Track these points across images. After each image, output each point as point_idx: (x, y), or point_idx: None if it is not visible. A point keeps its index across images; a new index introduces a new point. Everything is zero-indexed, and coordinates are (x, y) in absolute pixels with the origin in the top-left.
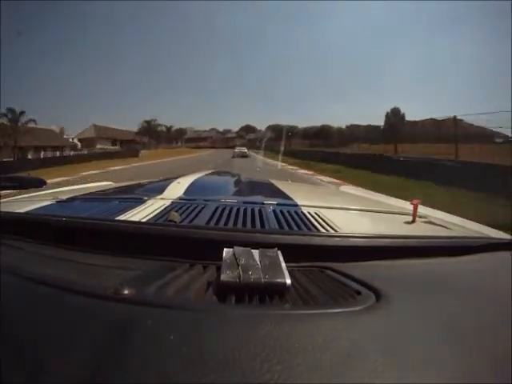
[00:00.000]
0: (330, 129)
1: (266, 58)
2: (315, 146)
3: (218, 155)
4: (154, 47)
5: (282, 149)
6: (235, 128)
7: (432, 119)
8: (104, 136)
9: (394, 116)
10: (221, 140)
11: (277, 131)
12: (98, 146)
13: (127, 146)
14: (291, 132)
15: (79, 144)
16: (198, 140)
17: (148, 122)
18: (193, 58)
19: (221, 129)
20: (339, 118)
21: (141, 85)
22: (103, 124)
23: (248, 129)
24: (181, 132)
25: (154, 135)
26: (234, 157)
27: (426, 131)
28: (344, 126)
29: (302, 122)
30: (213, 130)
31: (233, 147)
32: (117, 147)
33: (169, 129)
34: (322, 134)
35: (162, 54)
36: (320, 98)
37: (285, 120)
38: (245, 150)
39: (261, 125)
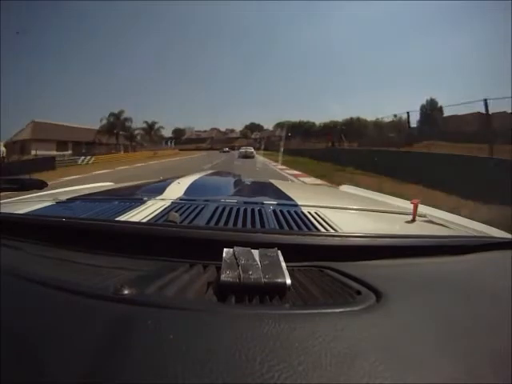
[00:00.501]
0: (358, 123)
1: (274, 57)
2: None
3: (201, 160)
4: (157, 46)
5: (282, 149)
6: (240, 127)
7: (479, 113)
8: (46, 137)
9: (432, 109)
10: (222, 140)
11: (288, 129)
12: (34, 152)
13: (87, 148)
14: (305, 129)
15: (3, 150)
16: (196, 141)
17: (115, 116)
18: (194, 57)
19: (223, 128)
20: (340, 115)
21: (140, 84)
22: (59, 121)
23: (253, 127)
24: (179, 132)
25: (124, 134)
26: (239, 157)
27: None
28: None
29: (317, 119)
30: (214, 129)
31: (223, 149)
32: (68, 152)
33: (151, 126)
34: (345, 129)
35: (164, 54)
36: (322, 97)
37: (294, 118)
38: (251, 149)
39: (268, 123)
